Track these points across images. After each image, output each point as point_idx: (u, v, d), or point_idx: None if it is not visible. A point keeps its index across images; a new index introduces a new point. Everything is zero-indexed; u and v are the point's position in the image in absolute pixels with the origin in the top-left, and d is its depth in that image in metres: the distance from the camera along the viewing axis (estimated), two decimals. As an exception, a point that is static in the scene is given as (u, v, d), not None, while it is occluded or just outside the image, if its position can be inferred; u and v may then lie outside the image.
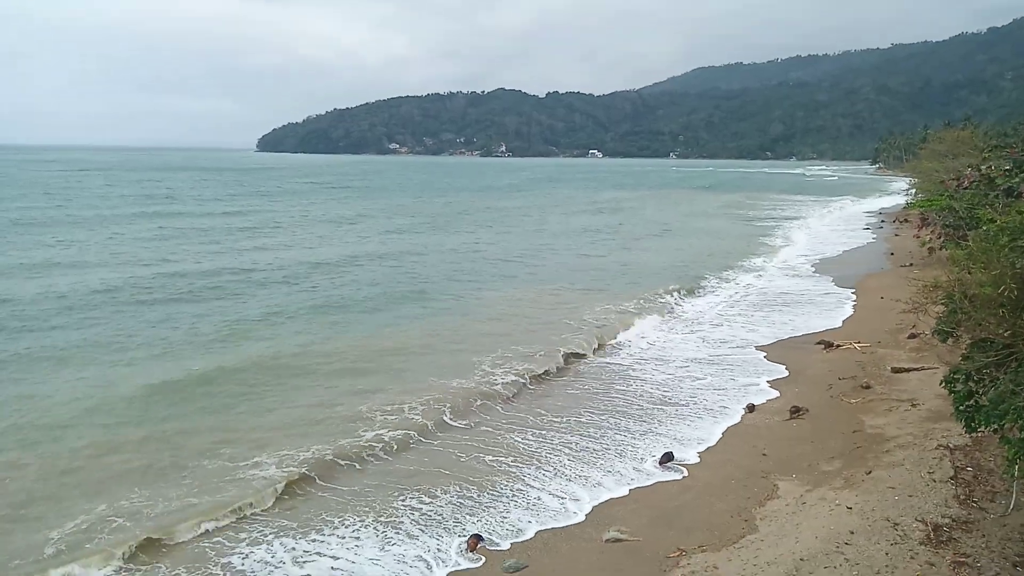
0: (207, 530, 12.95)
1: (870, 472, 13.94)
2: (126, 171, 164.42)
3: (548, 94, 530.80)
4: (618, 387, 21.04)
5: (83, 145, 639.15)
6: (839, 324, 27.70)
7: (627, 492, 14.44)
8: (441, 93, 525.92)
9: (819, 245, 52.55)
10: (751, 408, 18.88)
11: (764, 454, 15.89)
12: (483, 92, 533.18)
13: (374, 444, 16.54)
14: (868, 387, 19.53)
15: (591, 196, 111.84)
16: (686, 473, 15.24)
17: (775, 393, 20.17)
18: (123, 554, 12.06)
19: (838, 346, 23.95)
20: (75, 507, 13.53)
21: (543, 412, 18.94)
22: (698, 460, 15.94)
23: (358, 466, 15.67)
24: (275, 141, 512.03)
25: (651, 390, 20.76)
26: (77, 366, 21.75)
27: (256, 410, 18.61)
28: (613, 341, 25.81)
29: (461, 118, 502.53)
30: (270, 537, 12.73)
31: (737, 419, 18.36)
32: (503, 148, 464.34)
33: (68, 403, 18.66)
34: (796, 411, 18.12)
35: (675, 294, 33.43)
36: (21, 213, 63.54)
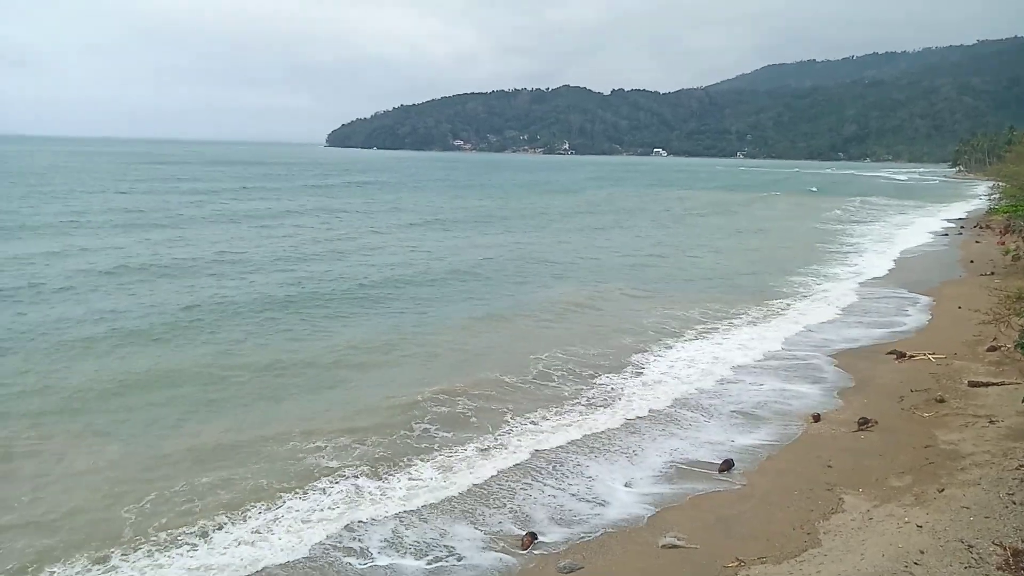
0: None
1: (943, 490, 13.37)
2: (228, 165, 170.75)
3: (613, 91, 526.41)
4: (680, 390, 20.77)
5: (169, 139, 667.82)
6: (912, 334, 26.61)
7: (686, 498, 14.23)
8: (506, 90, 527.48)
9: (897, 250, 50.59)
10: (816, 418, 18.32)
11: (829, 466, 15.40)
12: (548, 89, 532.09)
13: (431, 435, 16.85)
14: (942, 401, 18.70)
15: (713, 198, 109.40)
16: (746, 482, 14.91)
17: (842, 403, 19.51)
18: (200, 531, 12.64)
19: (911, 356, 22.99)
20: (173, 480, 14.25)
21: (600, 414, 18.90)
22: (759, 469, 15.57)
23: (421, 459, 15.91)
24: (343, 137, 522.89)
25: (712, 395, 20.43)
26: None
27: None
28: (681, 343, 25.46)
29: (525, 115, 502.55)
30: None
31: (801, 428, 17.85)
32: (566, 146, 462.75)
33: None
34: (864, 423, 17.49)
35: (749, 299, 32.75)
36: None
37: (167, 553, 12.08)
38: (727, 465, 15.48)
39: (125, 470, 15.01)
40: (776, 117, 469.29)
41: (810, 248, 51.14)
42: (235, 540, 12.53)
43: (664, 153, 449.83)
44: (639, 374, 22.13)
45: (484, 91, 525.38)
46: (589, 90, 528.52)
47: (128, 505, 13.51)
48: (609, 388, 20.82)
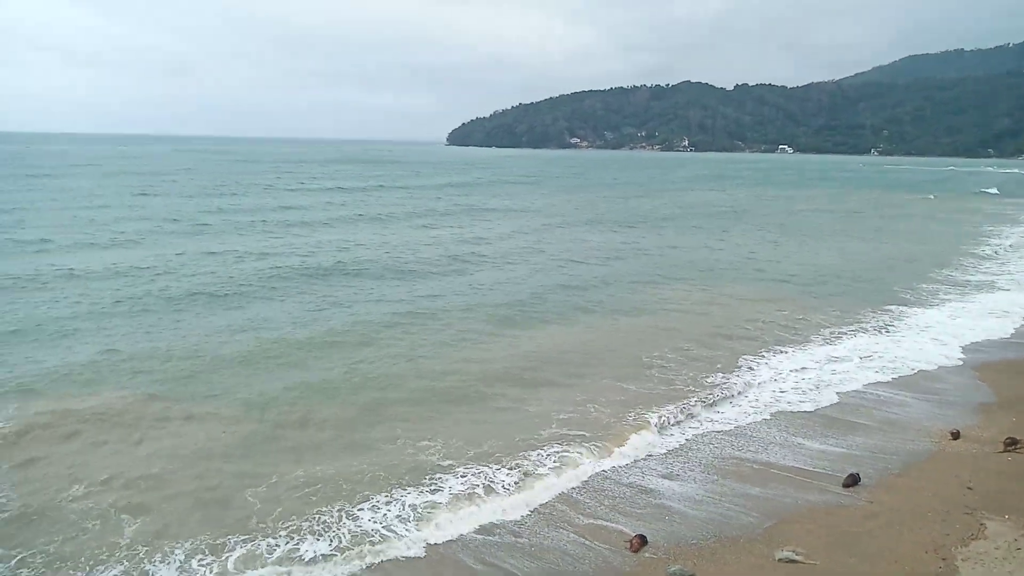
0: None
1: (1105, 522, 12.03)
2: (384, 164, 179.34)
3: (736, 86, 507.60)
4: (798, 397, 19.83)
5: (301, 138, 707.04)
6: (1072, 348, 24.09)
7: (805, 511, 13.56)
8: (624, 87, 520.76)
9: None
10: (955, 435, 16.96)
11: (969, 487, 14.22)
12: (667, 85, 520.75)
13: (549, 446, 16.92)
14: (1107, 424, 16.83)
15: (863, 199, 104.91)
16: (872, 499, 14.01)
17: (985, 420, 17.98)
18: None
19: (1070, 373, 20.85)
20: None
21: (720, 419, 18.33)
22: (887, 486, 14.61)
23: (535, 456, 16.02)
24: (463, 135, 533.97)
25: (836, 405, 19.37)
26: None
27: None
28: (801, 348, 24.32)
29: (643, 112, 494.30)
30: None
31: (937, 445, 16.59)
32: (685, 143, 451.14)
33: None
34: (1012, 443, 16.02)
35: (879, 304, 30.88)
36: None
37: (281, 542, 12.55)
38: (852, 480, 14.61)
39: (246, 450, 16.08)
40: (915, 111, 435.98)
41: (961, 253, 47.43)
42: (351, 532, 12.95)
43: (790, 150, 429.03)
44: (752, 378, 21.32)
45: (602, 88, 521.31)
46: (710, 85, 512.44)
47: (249, 489, 14.46)
48: (721, 392, 20.17)
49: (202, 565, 11.75)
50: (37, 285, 30.21)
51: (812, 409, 19.08)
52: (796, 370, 22.15)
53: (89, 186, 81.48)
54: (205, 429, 16.84)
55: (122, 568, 11.64)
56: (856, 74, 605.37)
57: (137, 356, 21.42)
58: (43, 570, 11.61)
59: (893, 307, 30.59)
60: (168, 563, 11.77)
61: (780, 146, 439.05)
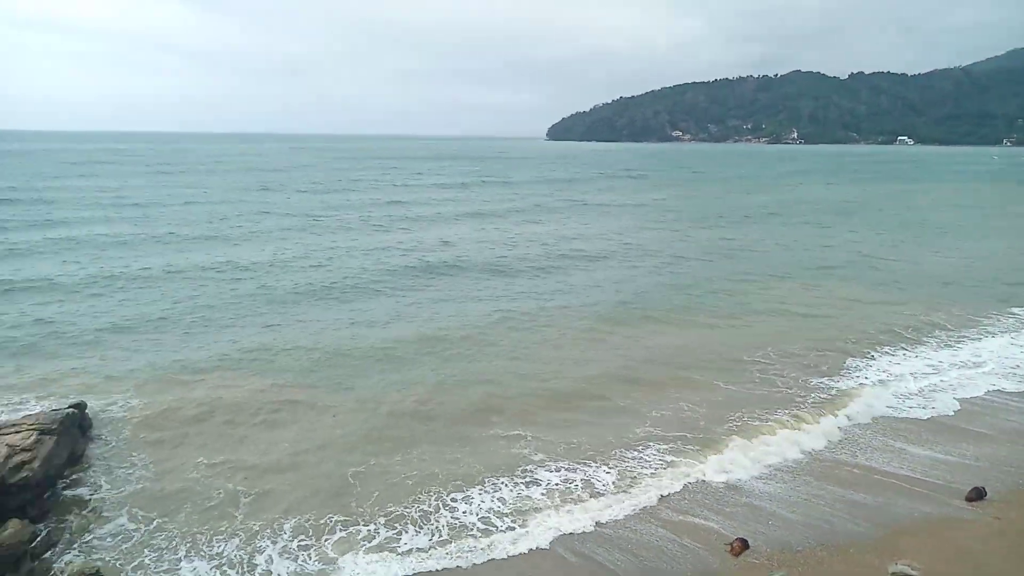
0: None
1: None
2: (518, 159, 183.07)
3: (851, 75, 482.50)
4: (922, 403, 18.83)
5: (408, 135, 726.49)
6: None
7: (922, 524, 12.90)
8: (730, 78, 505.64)
9: None
10: (1097, 451, 15.64)
11: (1112, 509, 13.11)
12: (776, 75, 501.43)
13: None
14: None
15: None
16: (999, 515, 13.13)
17: None
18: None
19: None
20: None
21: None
22: (1020, 503, 13.63)
23: (633, 454, 16.00)
24: (563, 130, 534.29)
25: (958, 413, 18.24)
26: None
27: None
28: (919, 351, 23.06)
29: (750, 103, 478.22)
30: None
31: (1075, 462, 15.34)
32: (794, 135, 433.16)
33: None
34: None
35: (1020, 308, 28.91)
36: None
37: (381, 529, 13.13)
38: (977, 494, 13.74)
39: (356, 438, 16.84)
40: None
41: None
42: (448, 524, 13.38)
43: (910, 141, 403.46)
44: (858, 381, 20.38)
45: (705, 80, 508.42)
46: (823, 74, 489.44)
47: (356, 475, 15.17)
48: (828, 394, 19.40)
49: (303, 546, 12.47)
50: (166, 277, 32.65)
51: (926, 416, 18.06)
52: (909, 374, 21.00)
53: (212, 182, 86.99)
54: (319, 417, 17.76)
55: (237, 541, 12.59)
56: (987, 59, 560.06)
57: (261, 347, 22.77)
58: (173, 537, 12.70)
59: (1020, 311, 28.45)
60: (275, 540, 12.59)
61: (899, 137, 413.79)
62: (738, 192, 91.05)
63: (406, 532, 12.87)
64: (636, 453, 15.88)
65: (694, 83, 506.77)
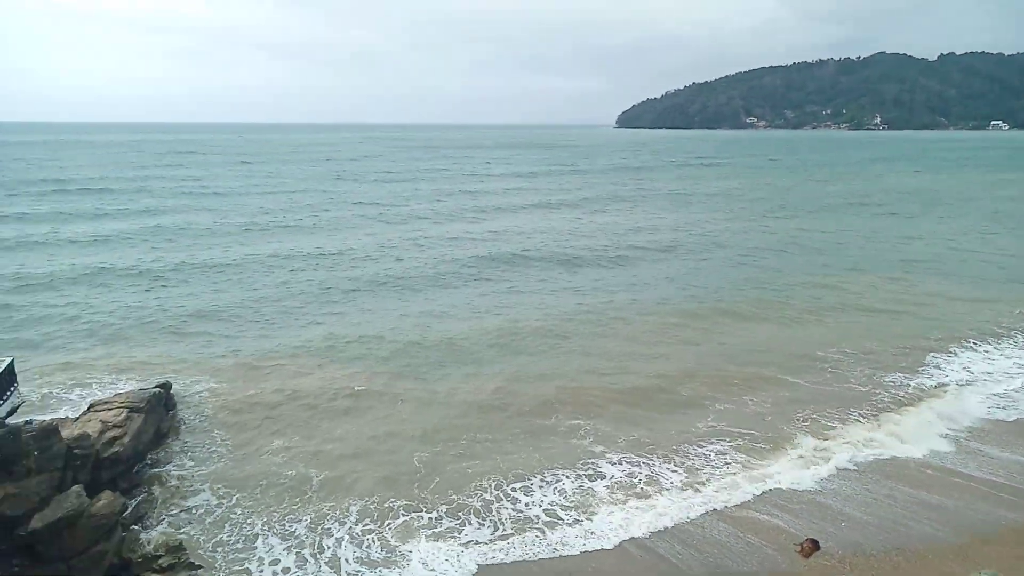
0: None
1: None
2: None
3: (940, 56, 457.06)
4: (1007, 403, 17.95)
5: (477, 124, 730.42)
6: None
7: (1009, 532, 12.30)
8: (808, 61, 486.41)
9: None
10: None
11: None
12: (858, 58, 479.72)
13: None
14: None
15: None
16: (1093, 526, 12.42)
17: None
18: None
19: None
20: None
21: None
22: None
23: (704, 450, 15.85)
24: (633, 117, 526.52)
25: (1050, 418, 17.27)
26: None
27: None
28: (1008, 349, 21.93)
29: (830, 88, 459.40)
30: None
31: None
32: (877, 120, 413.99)
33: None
34: None
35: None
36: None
37: (444, 518, 13.48)
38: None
39: (429, 427, 17.24)
40: None
41: None
42: (511, 517, 13.61)
43: (1005, 126, 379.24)
44: (937, 380, 19.59)
45: (783, 64, 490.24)
46: (909, 56, 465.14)
47: (425, 462, 15.54)
48: (905, 392, 18.71)
49: (367, 531, 12.88)
50: (245, 265, 34.02)
51: (1012, 418, 17.17)
52: (996, 374, 20.05)
53: (290, 172, 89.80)
54: (390, 405, 18.28)
55: (307, 521, 13.14)
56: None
57: (335, 336, 23.57)
58: (250, 514, 13.35)
59: None
60: (342, 521, 13.09)
61: (992, 122, 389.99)
62: (816, 181, 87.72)
63: (469, 524, 13.05)
64: (701, 449, 15.73)
65: (771, 67, 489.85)
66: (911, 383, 19.37)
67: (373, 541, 12.60)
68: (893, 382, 19.38)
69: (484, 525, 13.07)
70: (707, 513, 13.26)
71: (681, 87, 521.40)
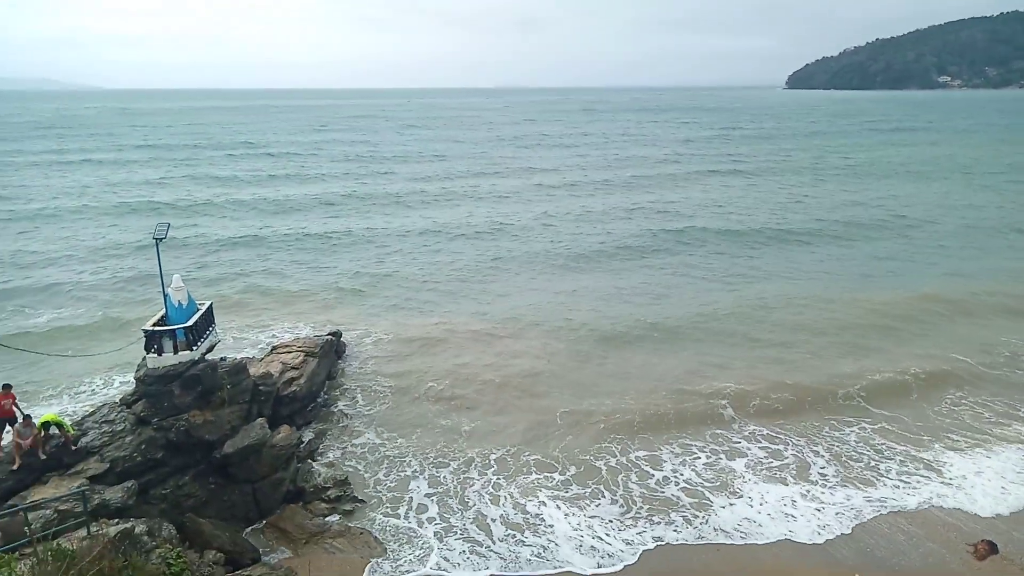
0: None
1: None
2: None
3: None
4: None
5: (639, 86, 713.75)
6: None
7: None
8: (1020, 10, 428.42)
9: None
10: None
11: None
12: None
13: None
14: None
15: None
16: None
17: None
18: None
19: None
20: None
21: None
22: None
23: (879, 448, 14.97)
24: (805, 78, 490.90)
25: None
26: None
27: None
28: None
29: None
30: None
31: None
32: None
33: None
34: None
35: None
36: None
37: (574, 483, 13.95)
38: None
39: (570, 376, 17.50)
40: None
41: None
42: (641, 498, 13.78)
43: None
44: None
45: (986, 15, 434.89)
46: None
47: (567, 419, 15.80)
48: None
49: (499, 482, 13.44)
50: (412, 232, 36.38)
51: None
52: None
53: (456, 135, 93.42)
54: (541, 372, 18.90)
55: (453, 466, 13.95)
56: None
57: (500, 303, 25.20)
58: (405, 455, 14.38)
59: None
60: (481, 472, 13.76)
61: None
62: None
63: (601, 497, 13.06)
64: (870, 447, 14.89)
65: (971, 19, 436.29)
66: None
67: (511, 495, 13.09)
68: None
69: (615, 503, 13.13)
70: (873, 506, 12.57)
71: (862, 44, 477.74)
